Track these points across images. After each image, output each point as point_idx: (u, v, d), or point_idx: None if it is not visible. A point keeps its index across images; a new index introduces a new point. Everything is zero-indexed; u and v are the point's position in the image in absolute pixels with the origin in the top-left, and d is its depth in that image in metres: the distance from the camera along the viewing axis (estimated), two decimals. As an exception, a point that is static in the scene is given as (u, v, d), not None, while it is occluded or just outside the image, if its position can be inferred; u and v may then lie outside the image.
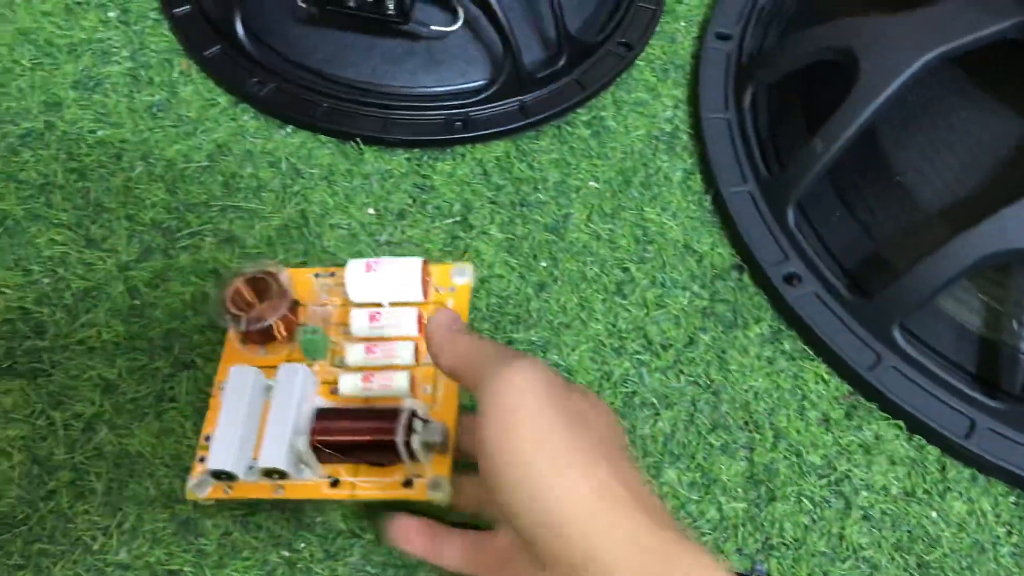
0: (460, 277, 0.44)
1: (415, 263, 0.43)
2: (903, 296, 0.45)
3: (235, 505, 0.41)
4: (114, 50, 0.54)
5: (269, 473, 0.40)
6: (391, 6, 0.50)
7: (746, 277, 0.49)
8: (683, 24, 0.58)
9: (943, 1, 0.46)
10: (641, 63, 0.56)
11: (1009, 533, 0.42)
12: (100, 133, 0.51)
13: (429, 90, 0.53)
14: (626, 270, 0.49)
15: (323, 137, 0.52)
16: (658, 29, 0.57)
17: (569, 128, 0.54)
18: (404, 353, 0.43)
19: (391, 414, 0.39)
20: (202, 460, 0.41)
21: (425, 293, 0.43)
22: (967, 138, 0.47)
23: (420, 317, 0.43)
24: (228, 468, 0.39)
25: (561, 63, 0.54)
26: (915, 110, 0.48)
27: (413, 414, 0.39)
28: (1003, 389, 0.45)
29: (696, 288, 0.49)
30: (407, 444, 0.38)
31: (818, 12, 0.56)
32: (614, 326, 0.47)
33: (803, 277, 0.48)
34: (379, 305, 0.43)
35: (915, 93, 0.48)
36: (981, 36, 0.44)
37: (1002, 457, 0.43)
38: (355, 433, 0.39)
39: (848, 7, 0.55)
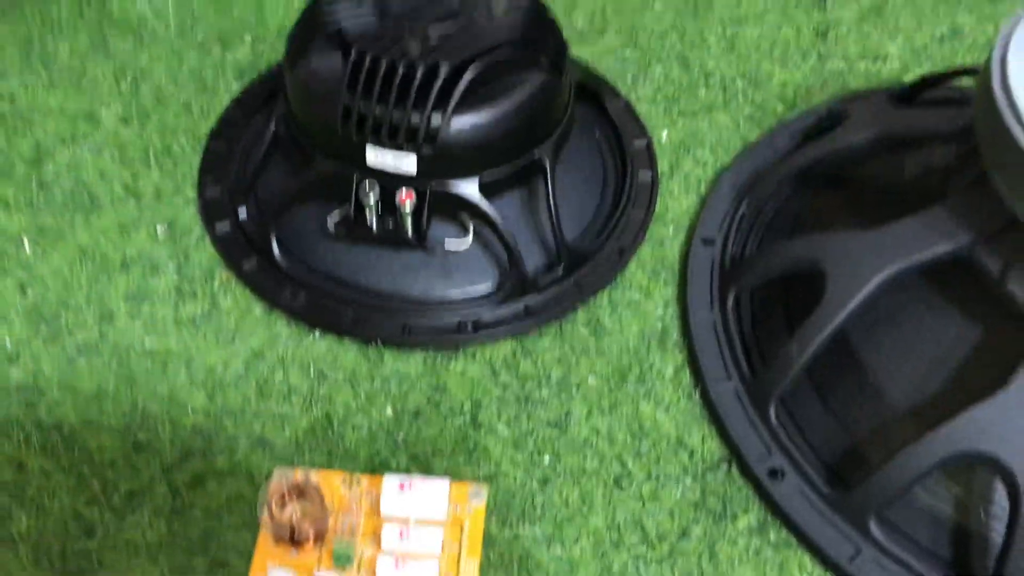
0: (476, 499, 0.49)
1: (443, 486, 0.48)
2: (878, 491, 0.49)
3: None
4: (161, 264, 0.61)
5: None
6: (409, 232, 0.56)
7: (734, 470, 0.53)
8: (671, 229, 0.64)
9: (901, 220, 0.52)
10: (633, 266, 0.62)
11: None
12: (148, 343, 0.57)
13: (443, 296, 0.59)
14: (623, 464, 0.53)
15: (348, 342, 0.58)
16: (648, 234, 0.63)
17: (569, 327, 0.59)
18: (429, 571, 0.47)
19: None
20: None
21: (447, 512, 0.48)
22: (930, 342, 0.52)
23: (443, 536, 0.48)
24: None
25: (560, 269, 0.60)
26: (883, 315, 0.53)
27: None
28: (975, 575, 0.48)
29: (689, 481, 0.53)
30: None
31: (790, 220, 0.62)
32: (613, 520, 0.51)
33: (786, 472, 0.52)
34: (407, 520, 0.48)
35: (882, 300, 0.53)
36: (933, 255, 0.50)
37: (977, 645, 0.46)
38: None
39: (816, 215, 0.61)
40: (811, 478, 0.51)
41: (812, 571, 0.50)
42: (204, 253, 0.62)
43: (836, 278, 0.52)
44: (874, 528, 0.49)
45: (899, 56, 0.76)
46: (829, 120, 0.65)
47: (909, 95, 0.63)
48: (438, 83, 0.53)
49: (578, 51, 0.75)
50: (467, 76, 0.53)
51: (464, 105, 0.54)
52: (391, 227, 0.57)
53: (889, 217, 0.53)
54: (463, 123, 0.54)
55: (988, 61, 0.47)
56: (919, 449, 0.47)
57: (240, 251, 0.61)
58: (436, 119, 0.54)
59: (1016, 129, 0.44)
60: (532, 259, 0.60)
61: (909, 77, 0.74)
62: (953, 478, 0.50)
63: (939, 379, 0.51)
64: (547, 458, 0.53)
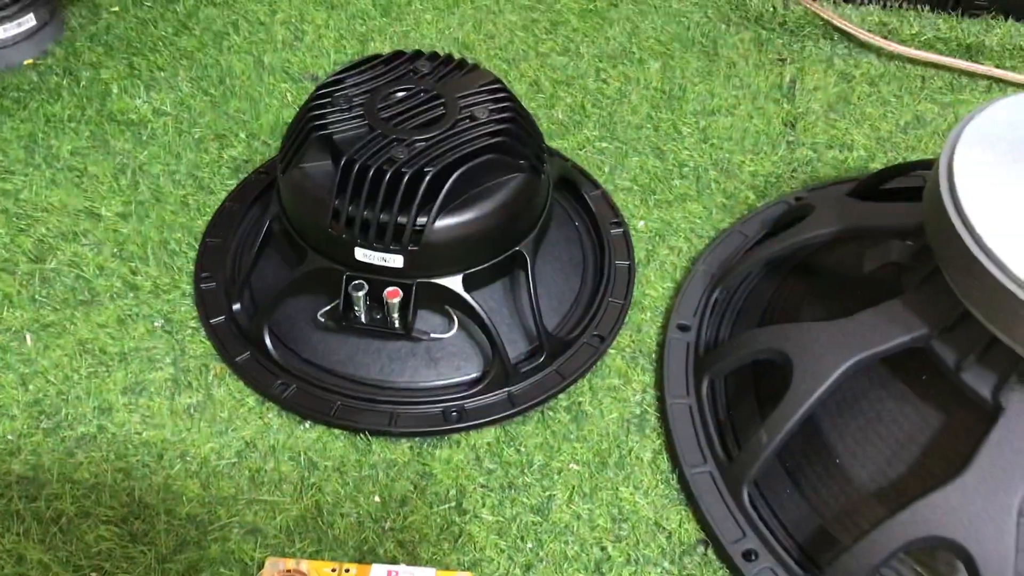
0: None
1: (429, 574, 0.50)
2: (846, 573, 0.51)
3: None
4: (158, 357, 0.63)
5: None
6: (396, 323, 0.59)
7: (710, 552, 0.55)
8: (649, 315, 0.67)
9: (862, 313, 0.54)
10: (613, 352, 0.65)
11: None
12: (145, 434, 0.59)
13: (429, 384, 0.62)
14: (604, 548, 0.55)
15: (337, 431, 0.60)
16: (627, 321, 0.66)
17: (551, 413, 0.62)
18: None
19: None
20: None
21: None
22: (893, 426, 0.54)
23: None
24: None
25: (542, 357, 0.62)
26: (848, 400, 0.56)
27: None
28: (942, 657, 0.50)
29: (667, 564, 0.55)
30: None
31: (760, 305, 0.65)
32: (593, 604, 0.53)
33: (759, 553, 0.54)
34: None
35: (848, 386, 0.55)
36: (891, 346, 0.52)
37: None
38: None
39: (784, 302, 0.64)
40: (783, 559, 0.53)
41: (786, 652, 0.51)
42: (199, 345, 0.64)
43: (802, 368, 0.54)
44: (844, 610, 0.51)
45: (864, 145, 0.80)
46: (796, 212, 0.68)
47: (869, 188, 0.67)
48: (423, 187, 0.56)
49: (558, 143, 0.79)
50: (451, 180, 0.57)
51: (448, 207, 0.57)
52: (379, 319, 0.59)
53: (851, 308, 0.55)
54: (447, 224, 0.57)
55: (935, 167, 0.51)
56: (883, 533, 0.49)
57: (234, 343, 0.63)
58: (422, 221, 0.57)
59: (962, 231, 0.47)
60: (515, 347, 0.62)
61: (875, 165, 0.78)
62: (918, 559, 0.52)
63: (902, 462, 0.53)
64: (530, 544, 0.55)
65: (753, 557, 0.54)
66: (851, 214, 0.61)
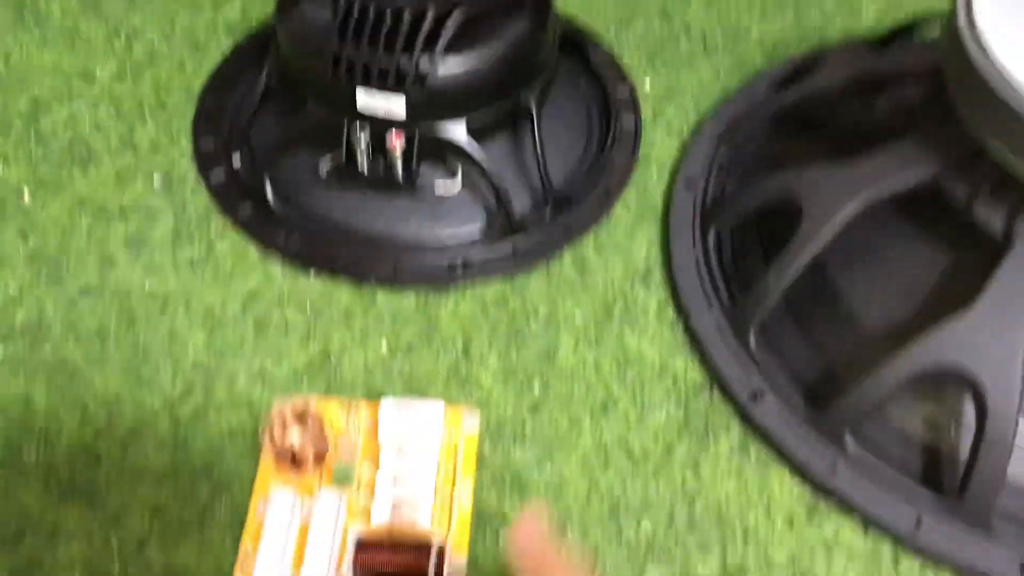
0: (470, 423, 0.52)
1: (438, 407, 0.51)
2: (853, 407, 0.51)
3: (268, 612, 0.47)
4: (159, 213, 0.62)
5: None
6: (400, 174, 0.58)
7: (716, 394, 0.55)
8: (655, 173, 0.66)
9: (871, 153, 0.54)
10: (619, 208, 0.64)
11: (958, 619, 0.48)
12: (148, 286, 0.59)
13: (433, 238, 0.61)
14: (610, 391, 0.55)
15: (342, 282, 0.59)
16: (633, 178, 0.65)
17: (556, 266, 0.61)
18: (425, 488, 0.50)
19: (423, 549, 0.46)
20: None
21: (442, 434, 0.50)
22: (903, 268, 0.54)
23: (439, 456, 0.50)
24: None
25: (548, 211, 0.62)
26: (857, 244, 0.56)
27: (440, 550, 0.46)
28: (945, 487, 0.50)
29: (672, 406, 0.55)
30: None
31: (767, 161, 0.64)
32: (600, 441, 0.53)
33: (765, 393, 0.54)
34: (403, 441, 0.50)
35: (856, 229, 0.55)
36: (902, 185, 0.52)
37: (947, 548, 0.49)
38: (392, 564, 0.46)
39: (792, 156, 0.63)
40: (790, 398, 0.54)
41: (792, 485, 0.52)
42: (200, 201, 0.63)
43: (810, 210, 0.54)
44: (849, 442, 0.51)
45: (875, 9, 0.78)
46: (805, 67, 0.67)
47: (885, 41, 0.65)
48: (425, 26, 0.55)
49: (563, 5, 0.77)
50: (454, 19, 0.55)
51: (452, 47, 0.56)
52: (382, 170, 0.59)
53: (861, 152, 0.55)
54: (450, 65, 0.56)
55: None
56: (891, 366, 0.50)
57: (235, 198, 0.63)
58: (424, 62, 0.55)
59: (979, 58, 0.46)
60: (520, 201, 0.62)
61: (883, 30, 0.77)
62: (924, 399, 0.52)
63: (911, 303, 0.53)
64: (536, 387, 0.55)
65: (759, 397, 0.54)
66: (863, 62, 0.60)
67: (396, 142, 0.57)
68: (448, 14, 0.55)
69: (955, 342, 0.48)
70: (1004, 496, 0.49)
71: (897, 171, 0.52)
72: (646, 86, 0.72)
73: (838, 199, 0.53)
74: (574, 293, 0.60)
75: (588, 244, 0.62)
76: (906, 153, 0.52)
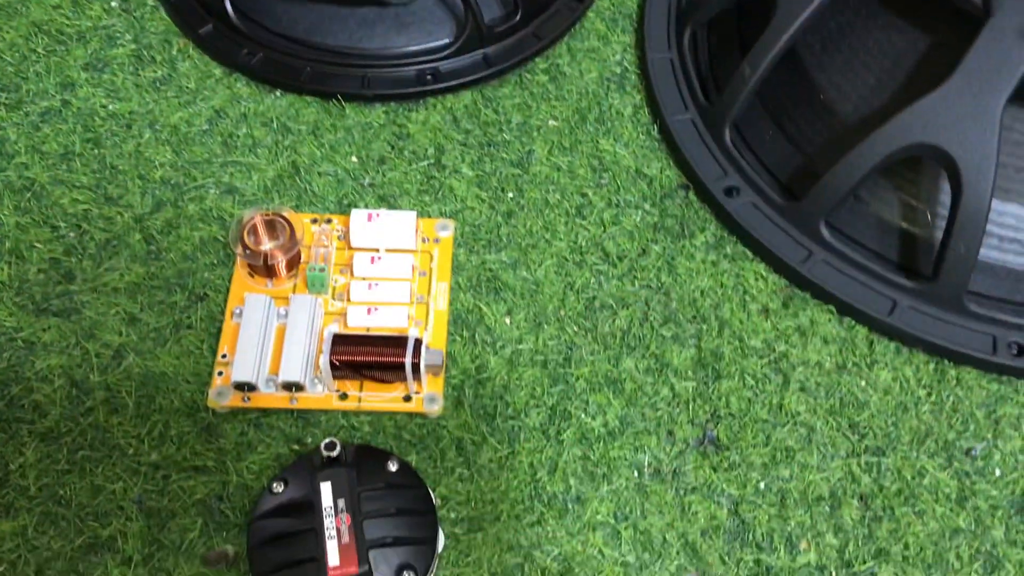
0: (444, 231, 0.52)
1: (410, 216, 0.50)
2: (826, 195, 0.50)
3: (250, 412, 0.47)
4: (118, 35, 0.60)
5: (288, 386, 0.47)
6: (362, -22, 0.56)
7: (691, 194, 0.55)
8: (629, -22, 0.64)
9: (848, -65, 0.52)
10: (592, 14, 0.62)
11: (929, 394, 0.48)
12: (111, 107, 0.57)
13: (401, 49, 0.59)
14: (584, 195, 0.55)
15: (308, 97, 0.58)
16: (607, -18, 0.63)
17: (529, 76, 0.60)
18: (400, 292, 0.49)
19: (400, 340, 0.46)
20: (220, 375, 0.47)
21: (415, 242, 0.50)
22: (879, 55, 0.53)
23: (413, 263, 0.50)
24: (250, 380, 0.46)
25: (518, 18, 0.60)
26: (833, 33, 0.54)
27: (418, 340, 0.46)
28: (919, 272, 0.50)
29: (647, 207, 0.55)
30: (415, 365, 0.45)
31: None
32: (575, 243, 0.53)
33: (741, 189, 0.54)
34: (376, 250, 0.50)
35: (832, 18, 0.53)
36: (880, -39, 0.50)
37: (921, 330, 0.49)
38: (370, 355, 0.46)
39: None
40: (765, 192, 0.53)
41: (767, 277, 0.52)
42: (160, 22, 0.61)
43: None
44: (824, 232, 0.51)
45: None
46: None
47: None
48: None
49: None
50: None
51: None
52: (343, -24, 0.56)
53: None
54: None
55: None
56: (863, 148, 0.49)
57: (195, 17, 0.61)
58: None
59: None
60: (489, 9, 0.60)
61: None
62: (900, 186, 0.52)
63: (888, 89, 0.52)
64: (511, 194, 0.55)
65: (735, 193, 0.54)
66: None
67: (356, -56, 0.55)
68: None
69: (928, 118, 0.47)
70: (977, 277, 0.49)
71: (876, -51, 0.50)
72: None
73: (812, -17, 0.51)
74: (548, 101, 0.59)
75: (561, 52, 0.61)
76: (885, -70, 0.50)
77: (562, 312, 0.51)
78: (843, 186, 0.50)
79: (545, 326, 0.50)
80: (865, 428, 0.47)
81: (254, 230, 0.50)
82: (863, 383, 0.49)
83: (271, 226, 0.50)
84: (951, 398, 0.48)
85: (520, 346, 0.49)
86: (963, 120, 0.47)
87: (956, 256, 0.48)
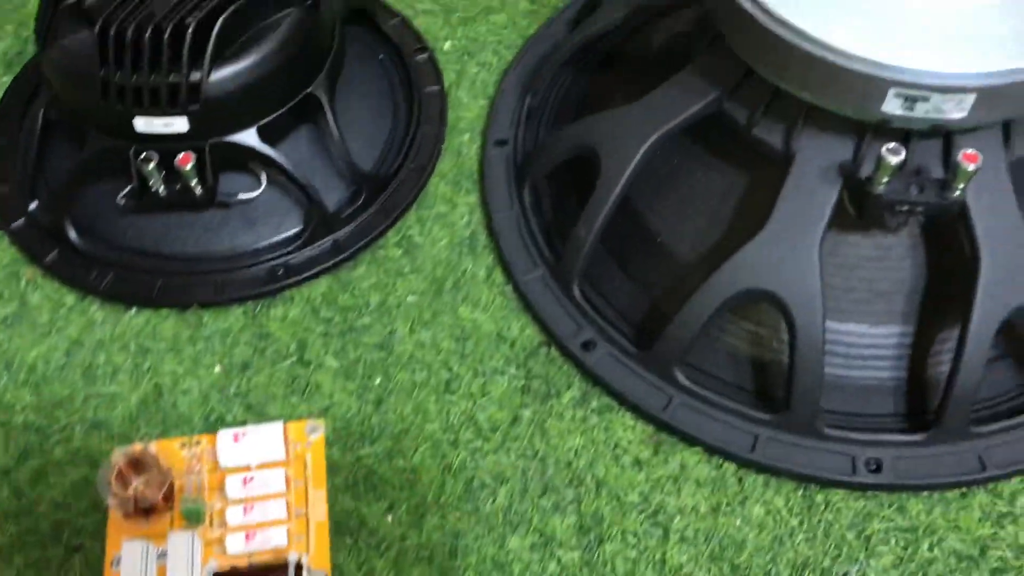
0: (314, 433, 0.52)
1: (276, 428, 0.50)
2: (675, 342, 0.52)
3: (141, 663, 0.46)
4: (-38, 276, 0.60)
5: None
6: (198, 191, 0.56)
7: (553, 351, 0.56)
8: (467, 136, 0.66)
9: (656, 89, 0.54)
10: (435, 179, 0.64)
11: (801, 523, 0.50)
12: (-38, 355, 0.57)
13: (251, 247, 0.60)
14: (451, 369, 0.56)
15: (164, 311, 0.58)
16: (445, 146, 0.65)
17: (382, 252, 0.61)
18: (277, 509, 0.49)
19: (280, 569, 0.46)
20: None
21: (287, 452, 0.50)
22: (704, 195, 0.55)
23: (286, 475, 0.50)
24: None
25: (363, 199, 0.61)
26: (661, 178, 0.57)
27: (299, 566, 0.46)
28: (775, 400, 0.53)
29: (513, 370, 0.56)
30: None
31: (574, 105, 0.65)
32: (447, 422, 0.54)
33: (597, 342, 0.55)
34: (248, 468, 0.50)
35: (656, 162, 0.56)
36: (687, 116, 0.53)
37: (783, 460, 0.51)
38: None
39: (595, 97, 0.63)
40: (619, 343, 0.55)
41: (635, 427, 0.53)
42: (4, 253, 0.61)
43: (608, 156, 0.54)
44: (680, 376, 0.53)
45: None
46: (590, 7, 0.67)
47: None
48: (188, 40, 0.53)
49: (349, -24, 0.75)
50: (217, 26, 0.53)
51: (222, 56, 0.54)
52: (179, 191, 0.57)
53: (653, 86, 0.55)
54: (225, 74, 0.54)
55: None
56: (702, 296, 0.51)
57: (39, 245, 0.60)
58: (196, 76, 0.53)
59: (730, -15, 0.47)
60: (333, 193, 0.61)
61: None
62: (746, 315, 0.54)
63: (717, 228, 0.54)
64: (378, 379, 0.56)
65: (591, 347, 0.55)
66: (638, -8, 0.60)
67: (185, 161, 0.55)
68: (211, 21, 0.53)
69: (753, 264, 0.50)
70: (830, 395, 0.52)
71: (681, 104, 0.53)
72: (446, 46, 0.71)
73: (632, 141, 0.54)
74: (403, 276, 0.60)
75: (410, 223, 0.62)
76: (687, 84, 0.53)
77: (442, 499, 0.51)
78: (689, 333, 0.52)
79: (427, 517, 0.51)
80: (746, 568, 0.49)
81: (120, 475, 0.49)
82: (738, 522, 0.50)
83: (137, 465, 0.50)
84: (822, 524, 0.50)
85: (405, 543, 0.50)
86: (785, 263, 0.49)
87: (803, 386, 0.50)
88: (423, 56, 0.69)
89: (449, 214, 0.62)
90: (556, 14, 0.72)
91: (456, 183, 0.64)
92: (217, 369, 0.56)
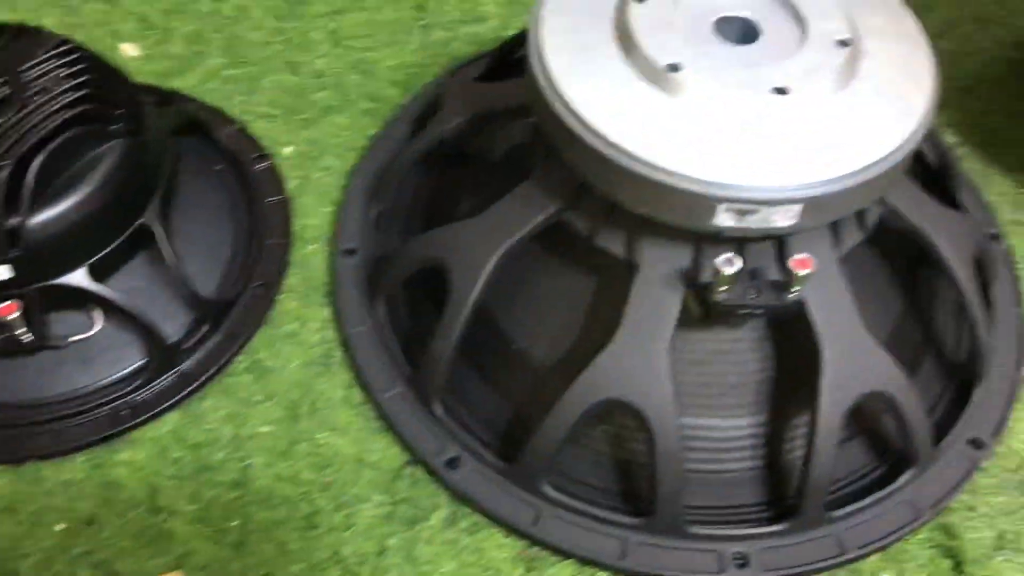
0: None
1: None
2: (538, 456, 0.52)
3: None
4: None
5: None
6: (27, 336, 0.53)
7: (418, 471, 0.55)
8: (314, 247, 0.64)
9: (499, 202, 0.54)
10: (283, 296, 0.62)
11: (676, 627, 0.50)
12: None
13: (90, 387, 0.57)
14: (312, 502, 0.54)
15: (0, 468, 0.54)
16: (292, 259, 0.63)
17: (232, 378, 0.58)
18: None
19: None
20: None
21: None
22: (556, 301, 0.55)
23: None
24: None
25: (207, 325, 0.59)
26: (514, 286, 0.56)
27: None
28: (642, 500, 0.53)
29: (377, 496, 0.54)
30: None
31: (423, 208, 0.64)
32: (311, 561, 0.52)
33: (462, 458, 0.55)
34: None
35: (509, 273, 0.56)
36: (531, 228, 0.53)
37: (651, 565, 0.51)
38: None
39: (444, 199, 0.63)
40: (485, 458, 0.54)
41: (506, 543, 0.53)
42: None
43: (458, 270, 0.54)
44: (547, 488, 0.53)
45: (497, 13, 0.79)
46: (431, 105, 0.67)
47: (500, 64, 0.66)
48: (3, 185, 0.49)
49: (180, 82, 0.73)
50: (33, 169, 0.51)
51: (41, 200, 0.51)
52: (6, 338, 0.53)
53: (499, 194, 0.55)
54: (47, 217, 0.51)
55: (527, 43, 0.50)
56: (560, 409, 0.51)
57: None
58: (14, 222, 0.50)
59: (561, 110, 0.47)
60: (174, 323, 0.58)
61: (509, 32, 0.77)
62: (606, 419, 0.54)
63: (571, 334, 0.55)
64: (236, 521, 0.53)
65: (456, 464, 0.54)
66: (474, 99, 0.60)
67: (9, 313, 0.52)
68: (26, 164, 0.50)
69: (605, 376, 0.50)
70: (696, 489, 0.52)
71: (524, 216, 0.53)
72: (287, 151, 0.69)
73: (479, 254, 0.53)
74: (256, 404, 0.57)
75: (260, 344, 0.60)
76: (528, 197, 0.53)
77: (312, 646, 0.49)
78: (552, 445, 0.51)
79: (298, 667, 0.49)
80: None
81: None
82: (616, 633, 0.50)
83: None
84: (696, 626, 0.50)
85: None
86: (637, 371, 0.50)
87: (666, 489, 0.51)
88: (263, 165, 0.67)
89: (300, 332, 0.61)
90: (397, 112, 0.71)
91: (306, 297, 0.62)
92: (60, 527, 0.52)
